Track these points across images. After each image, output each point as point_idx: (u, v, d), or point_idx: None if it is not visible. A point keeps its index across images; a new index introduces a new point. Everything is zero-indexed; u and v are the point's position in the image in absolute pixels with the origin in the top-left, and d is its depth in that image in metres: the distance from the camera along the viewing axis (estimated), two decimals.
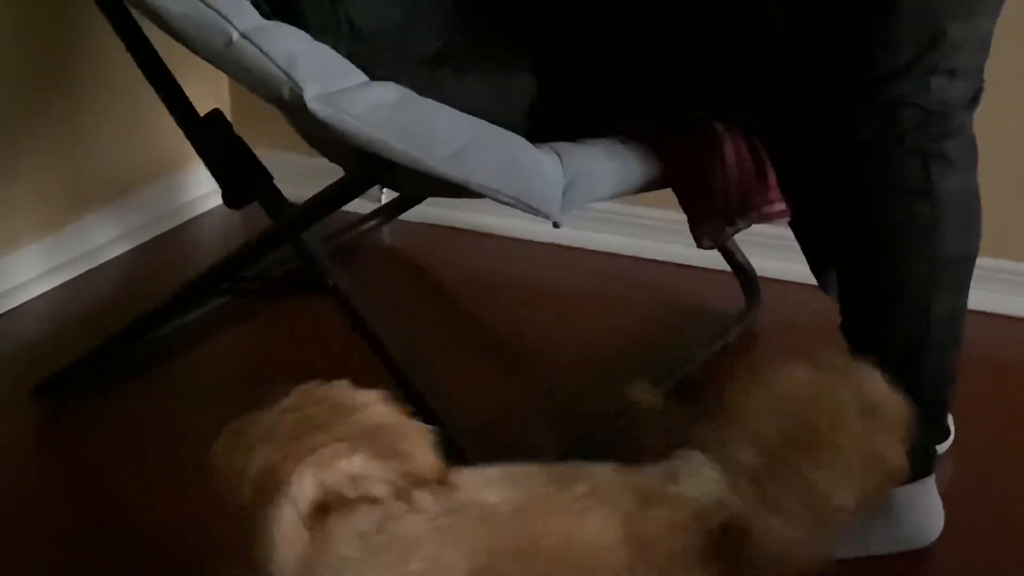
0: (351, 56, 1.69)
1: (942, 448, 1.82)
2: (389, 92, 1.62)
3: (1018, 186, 2.18)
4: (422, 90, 1.67)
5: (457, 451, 1.77)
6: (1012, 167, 2.17)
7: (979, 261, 1.61)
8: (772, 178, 1.79)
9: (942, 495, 1.69)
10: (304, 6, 1.79)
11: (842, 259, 1.62)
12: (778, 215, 1.79)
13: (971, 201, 1.56)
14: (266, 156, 1.89)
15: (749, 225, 1.81)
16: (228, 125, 1.83)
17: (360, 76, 1.64)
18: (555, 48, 1.88)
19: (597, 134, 1.77)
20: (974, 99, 1.55)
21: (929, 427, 1.64)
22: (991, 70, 1.57)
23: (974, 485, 1.83)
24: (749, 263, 2.24)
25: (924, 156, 1.51)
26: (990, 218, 1.60)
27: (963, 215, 1.55)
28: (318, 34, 1.70)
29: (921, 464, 1.62)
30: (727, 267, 2.25)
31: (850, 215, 1.57)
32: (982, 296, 1.92)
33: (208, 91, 2.22)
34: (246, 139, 1.85)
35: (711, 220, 1.77)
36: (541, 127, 1.77)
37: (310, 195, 1.85)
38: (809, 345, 1.47)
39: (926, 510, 1.65)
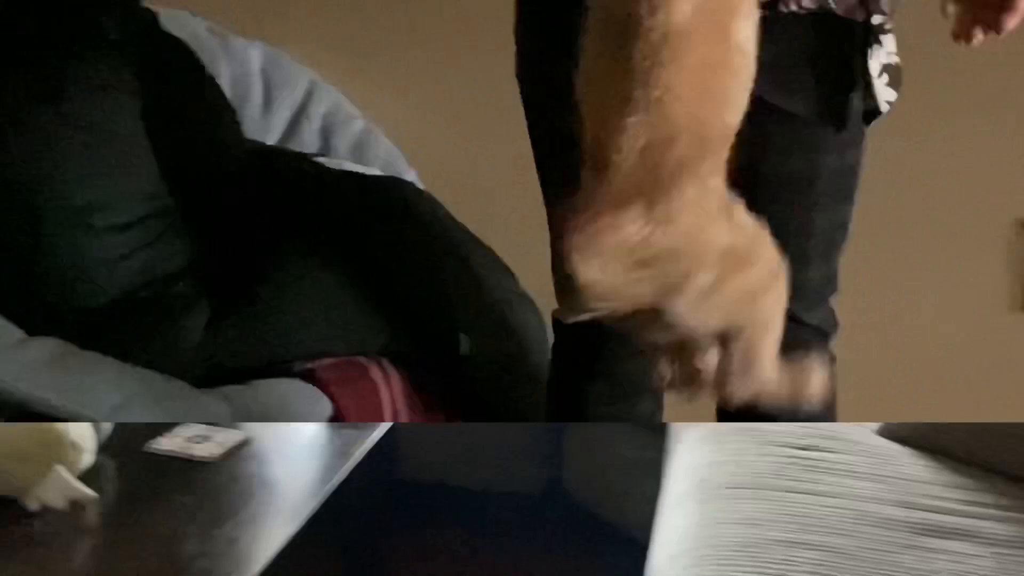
0: (20, 304, 1.68)
1: None
2: (46, 348, 1.62)
3: None
4: (88, 342, 1.67)
5: None
6: None
7: None
8: (436, 414, 1.87)
9: None
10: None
11: None
12: None
13: None
14: None
15: None
16: None
17: (16, 333, 1.63)
18: (228, 293, 1.91)
19: (268, 375, 1.80)
20: None
21: None
22: None
23: None
24: None
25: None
26: None
27: None
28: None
29: None
30: None
31: None
32: None
33: None
34: None
35: None
36: (213, 371, 1.79)
37: None
38: None
39: None
